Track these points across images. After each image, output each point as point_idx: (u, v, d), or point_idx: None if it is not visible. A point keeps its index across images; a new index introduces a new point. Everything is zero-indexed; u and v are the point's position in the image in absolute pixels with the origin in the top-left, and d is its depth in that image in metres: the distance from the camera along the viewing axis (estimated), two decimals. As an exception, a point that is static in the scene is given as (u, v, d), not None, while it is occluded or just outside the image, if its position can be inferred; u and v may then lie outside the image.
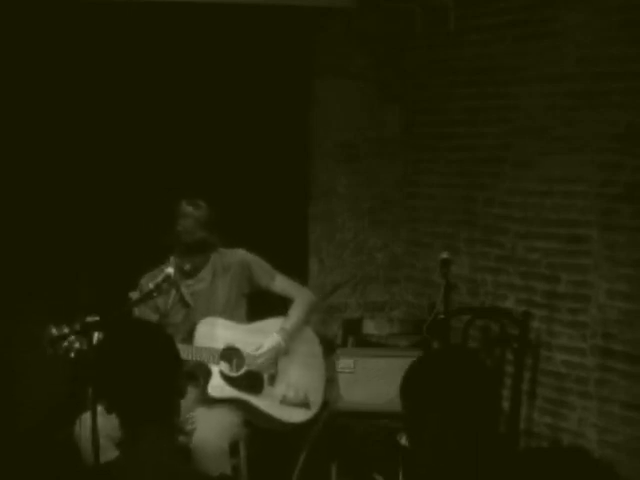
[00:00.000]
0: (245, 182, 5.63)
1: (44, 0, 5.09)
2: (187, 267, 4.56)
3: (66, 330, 4.16)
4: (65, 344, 4.17)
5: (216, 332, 4.54)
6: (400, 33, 5.93)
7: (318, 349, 4.81)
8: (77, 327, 4.15)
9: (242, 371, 4.55)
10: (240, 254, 4.72)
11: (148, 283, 4.47)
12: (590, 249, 4.81)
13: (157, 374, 2.56)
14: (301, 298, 4.74)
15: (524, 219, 5.17)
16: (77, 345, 4.17)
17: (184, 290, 4.62)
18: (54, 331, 4.18)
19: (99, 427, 3.83)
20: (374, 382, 5.12)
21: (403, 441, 4.72)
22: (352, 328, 5.60)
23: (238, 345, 4.57)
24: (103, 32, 5.25)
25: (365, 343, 5.52)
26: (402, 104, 6.00)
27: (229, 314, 4.62)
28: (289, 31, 5.65)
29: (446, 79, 5.69)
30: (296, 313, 4.70)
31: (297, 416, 4.64)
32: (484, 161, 5.45)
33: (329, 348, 5.22)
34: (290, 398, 4.63)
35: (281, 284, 4.73)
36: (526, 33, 5.11)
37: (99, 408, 3.90)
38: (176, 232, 4.53)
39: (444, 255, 4.82)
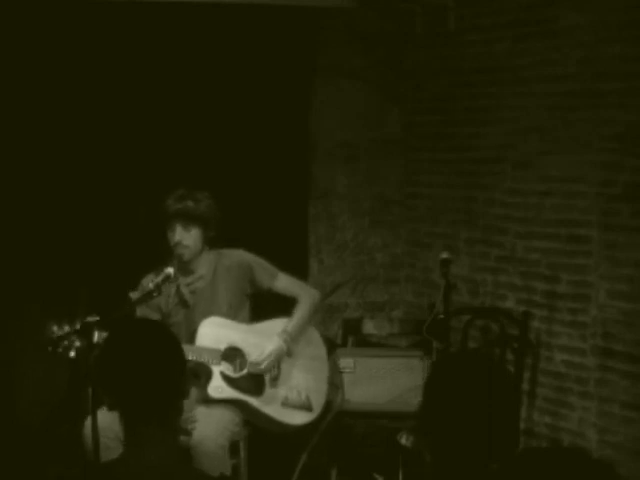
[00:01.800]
0: (245, 182, 5.63)
1: (44, 0, 5.09)
2: (176, 239, 4.47)
3: (67, 328, 4.16)
4: (65, 343, 4.17)
5: (219, 332, 4.51)
6: (400, 33, 5.93)
7: (322, 351, 4.77)
8: (78, 326, 4.16)
9: (243, 372, 4.53)
10: (241, 255, 4.68)
11: (149, 283, 4.47)
12: (590, 249, 4.81)
13: (162, 374, 2.55)
14: (305, 298, 4.69)
15: (524, 219, 5.17)
16: (77, 344, 4.17)
17: (183, 289, 4.60)
18: (55, 329, 4.18)
19: (108, 427, 3.84)
20: (374, 382, 5.13)
21: (403, 441, 4.72)
22: (352, 328, 5.61)
23: (241, 345, 4.54)
24: (103, 32, 5.25)
25: (365, 343, 5.52)
26: (402, 104, 6.00)
27: (232, 315, 4.59)
28: (289, 31, 5.65)
29: (446, 79, 5.69)
30: (299, 314, 4.65)
31: (298, 418, 4.62)
32: (484, 161, 5.45)
33: (329, 348, 5.21)
34: (292, 400, 4.61)
35: (284, 284, 4.68)
36: (526, 33, 5.11)
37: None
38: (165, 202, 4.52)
39: (444, 255, 4.82)
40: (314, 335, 4.78)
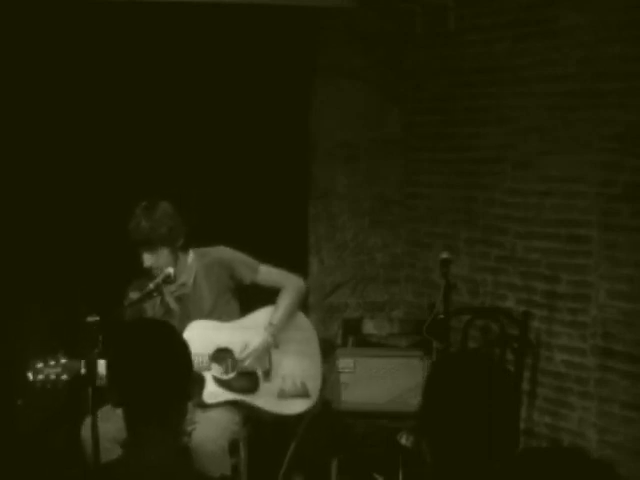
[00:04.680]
0: (245, 182, 5.63)
1: (44, 0, 5.09)
2: (146, 265, 4.42)
3: (52, 363, 4.17)
4: (52, 377, 4.17)
5: (205, 335, 4.47)
6: (400, 33, 5.93)
7: (312, 334, 4.76)
8: (63, 360, 4.17)
9: (234, 373, 4.53)
10: (220, 252, 4.63)
11: (134, 293, 4.46)
12: (590, 249, 4.81)
13: (165, 375, 2.55)
14: (289, 286, 4.66)
15: (524, 219, 5.17)
16: (65, 377, 4.17)
17: (168, 298, 4.55)
18: (40, 366, 4.18)
19: (106, 429, 3.84)
20: (374, 382, 5.13)
21: (403, 441, 4.73)
22: (352, 328, 5.60)
23: (229, 345, 4.52)
24: (103, 32, 5.25)
25: (365, 343, 5.52)
26: (402, 104, 6.00)
27: (220, 313, 4.57)
28: (289, 31, 5.65)
29: (446, 79, 5.69)
30: (283, 303, 4.63)
31: (298, 407, 4.63)
32: (484, 161, 5.45)
33: (329, 348, 5.22)
34: (288, 390, 4.61)
35: (266, 276, 4.64)
36: (526, 33, 5.11)
37: (105, 409, 3.93)
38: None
39: (444, 255, 4.81)
40: (301, 320, 4.76)
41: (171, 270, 4.40)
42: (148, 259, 4.43)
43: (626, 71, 4.59)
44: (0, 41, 5.11)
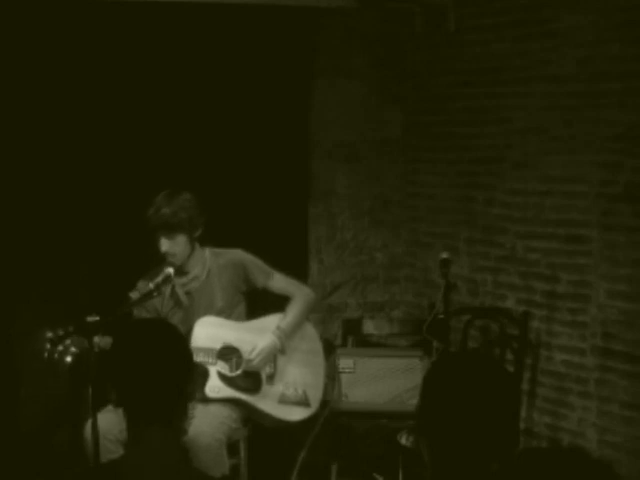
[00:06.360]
0: (245, 182, 5.63)
1: (44, 0, 5.09)
2: (163, 250, 4.45)
3: (62, 333, 4.17)
4: (60, 348, 4.18)
5: (214, 331, 4.52)
6: (400, 33, 5.93)
7: (318, 346, 4.79)
8: (71, 328, 4.17)
9: (239, 371, 4.55)
10: (235, 254, 4.68)
11: (147, 284, 4.47)
12: (590, 249, 4.81)
13: (167, 376, 2.55)
14: (299, 296, 4.71)
15: (524, 219, 5.17)
16: (73, 349, 4.18)
17: (178, 290, 4.59)
18: (49, 335, 4.19)
19: (108, 429, 3.85)
20: (374, 382, 5.13)
21: (403, 441, 4.73)
22: (352, 328, 5.60)
23: (236, 344, 4.56)
24: (103, 32, 5.25)
25: (365, 343, 5.53)
26: (402, 104, 6.00)
27: (228, 313, 4.60)
28: (289, 31, 5.65)
29: (446, 79, 5.69)
30: (293, 311, 4.68)
31: (296, 414, 4.64)
32: (484, 161, 5.45)
33: (329, 348, 5.22)
34: (289, 396, 4.63)
35: (278, 283, 4.70)
36: (526, 33, 5.12)
37: (107, 409, 3.94)
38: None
39: (444, 255, 4.82)
40: (310, 330, 4.80)
41: (171, 270, 4.42)
42: (165, 244, 4.48)
43: (626, 71, 4.59)
44: (3, 41, 5.11)
